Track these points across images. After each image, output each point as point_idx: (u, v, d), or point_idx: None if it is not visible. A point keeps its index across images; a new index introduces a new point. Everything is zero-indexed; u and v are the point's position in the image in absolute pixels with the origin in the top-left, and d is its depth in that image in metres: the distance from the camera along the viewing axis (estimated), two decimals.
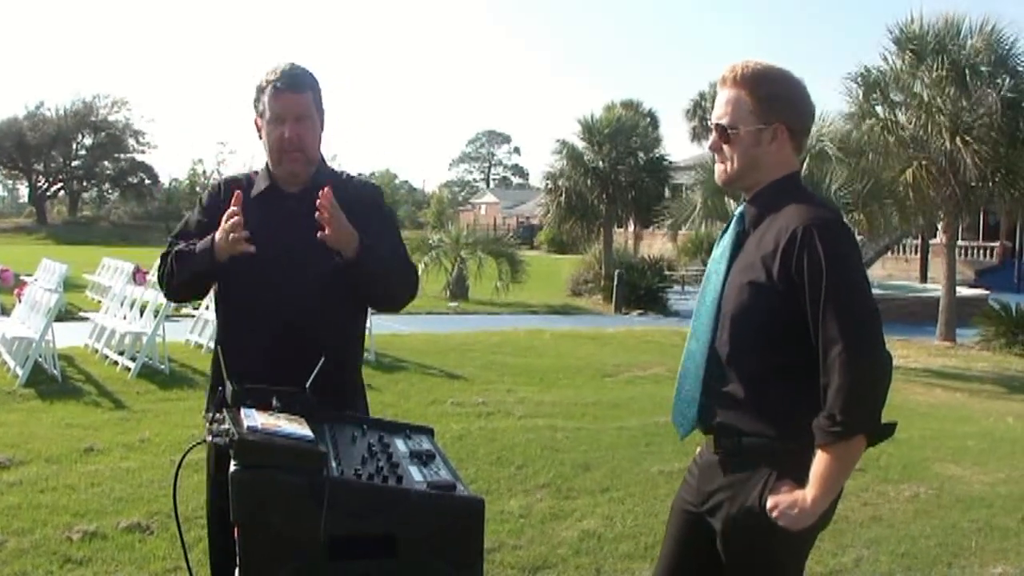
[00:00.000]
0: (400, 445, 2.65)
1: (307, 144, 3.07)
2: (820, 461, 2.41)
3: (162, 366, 10.90)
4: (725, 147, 2.61)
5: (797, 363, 2.48)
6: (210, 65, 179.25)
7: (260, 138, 3.13)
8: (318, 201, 2.81)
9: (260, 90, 3.07)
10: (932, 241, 33.52)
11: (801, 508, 2.42)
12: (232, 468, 2.11)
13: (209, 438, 2.22)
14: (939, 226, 19.44)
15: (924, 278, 34.24)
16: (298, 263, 3.02)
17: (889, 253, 34.87)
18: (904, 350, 16.12)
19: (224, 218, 2.92)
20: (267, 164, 3.18)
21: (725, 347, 2.59)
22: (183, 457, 2.35)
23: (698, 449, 2.83)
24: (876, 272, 35.74)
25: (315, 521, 2.06)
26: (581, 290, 26.27)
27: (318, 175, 3.12)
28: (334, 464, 2.32)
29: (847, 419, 2.36)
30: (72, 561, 4.85)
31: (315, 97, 3.09)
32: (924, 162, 16.60)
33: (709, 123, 2.66)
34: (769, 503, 2.45)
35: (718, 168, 2.70)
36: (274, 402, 2.54)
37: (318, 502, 2.07)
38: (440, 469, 2.42)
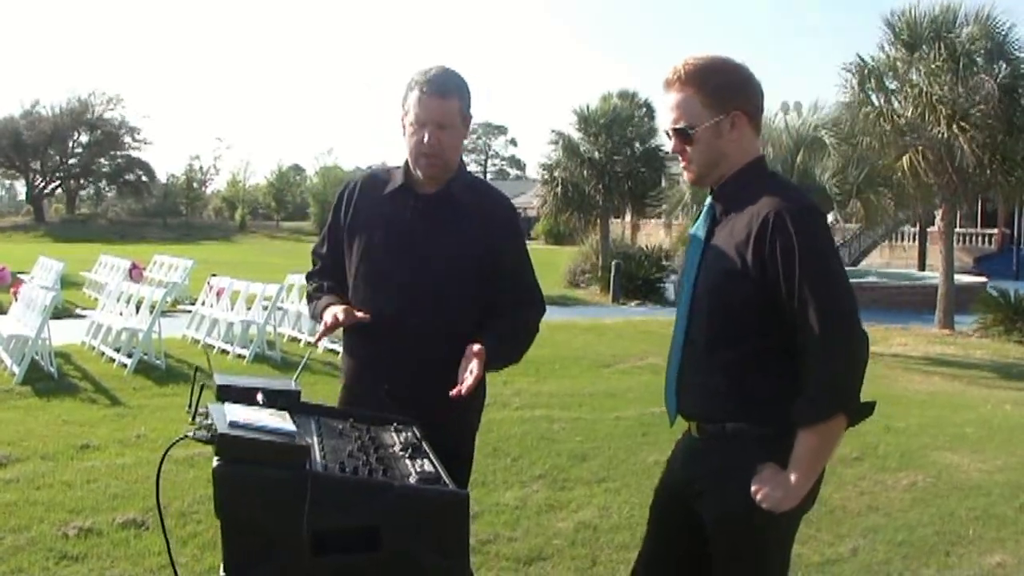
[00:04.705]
0: (388, 438, 2.64)
1: (446, 151, 3.08)
2: (801, 442, 2.42)
3: (158, 362, 10.89)
4: (688, 149, 2.61)
5: (775, 348, 2.50)
6: (205, 61, 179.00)
7: (403, 134, 3.13)
8: (454, 392, 2.82)
9: (408, 89, 3.07)
10: (930, 229, 33.54)
11: (784, 490, 2.44)
12: (214, 463, 2.10)
13: (191, 433, 2.20)
14: (937, 214, 19.42)
15: (922, 266, 34.23)
16: (421, 262, 3.07)
17: (887, 241, 35.02)
18: (902, 338, 16.12)
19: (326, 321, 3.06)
20: (407, 161, 3.18)
21: (702, 334, 2.60)
22: (165, 453, 2.33)
23: (681, 433, 2.84)
24: (874, 260, 35.83)
25: (298, 515, 2.05)
26: (579, 281, 26.26)
27: (454, 179, 3.15)
28: (319, 458, 2.31)
29: (827, 399, 2.39)
30: (68, 557, 4.85)
31: (462, 104, 3.09)
32: (921, 149, 16.59)
33: (666, 131, 2.65)
34: (753, 488, 2.47)
35: (685, 171, 2.70)
36: (259, 397, 2.53)
37: (300, 496, 2.05)
38: (426, 462, 2.41)
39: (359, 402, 3.10)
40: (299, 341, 13.12)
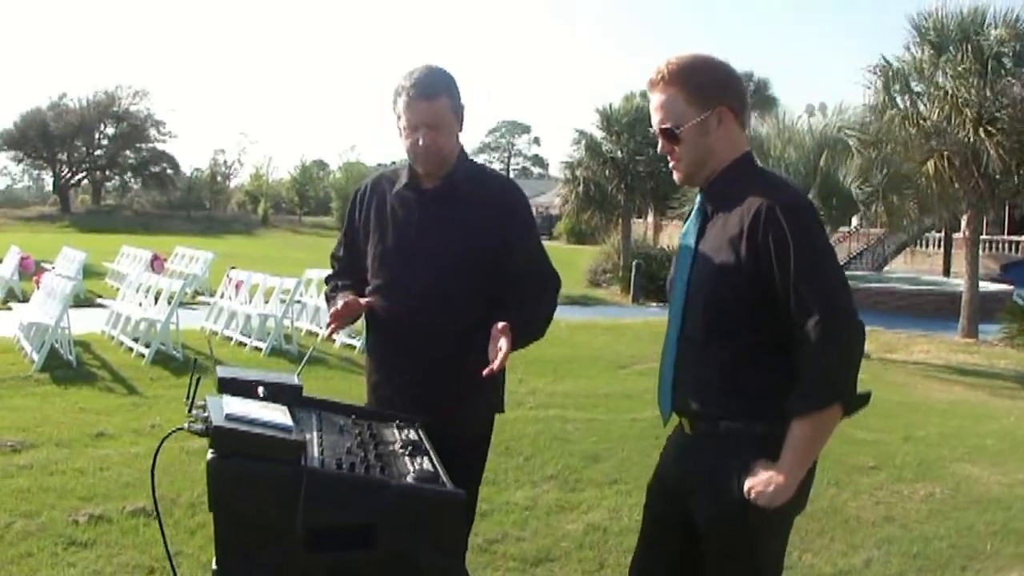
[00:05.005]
0: (389, 435, 2.61)
1: (442, 149, 3.15)
2: (795, 432, 2.41)
3: (176, 353, 10.92)
4: (676, 148, 2.61)
5: (767, 343, 2.50)
6: (230, 56, 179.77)
7: (400, 136, 3.20)
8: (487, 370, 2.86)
9: (396, 95, 3.13)
10: (956, 235, 33.18)
11: (776, 484, 2.41)
12: (209, 456, 2.08)
13: (186, 425, 2.18)
14: (962, 219, 19.21)
15: (947, 272, 33.90)
16: (426, 262, 3.15)
17: (912, 246, 34.68)
18: (925, 346, 15.96)
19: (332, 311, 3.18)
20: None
21: (697, 331, 2.59)
22: (160, 445, 2.32)
23: (672, 429, 2.86)
24: (898, 265, 35.54)
25: (292, 511, 2.03)
26: (599, 281, 26.19)
27: (456, 170, 3.22)
28: (317, 453, 2.29)
29: (821, 390, 2.38)
30: (76, 544, 4.86)
31: (450, 101, 3.14)
32: (946, 154, 16.41)
33: (652, 132, 2.66)
34: (747, 486, 2.45)
35: (674, 171, 2.69)
36: (260, 391, 2.51)
37: (295, 492, 2.03)
38: (426, 460, 2.38)
39: (380, 400, 3.21)
40: (317, 335, 13.13)
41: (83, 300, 16.41)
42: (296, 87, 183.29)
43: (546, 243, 3.43)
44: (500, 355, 2.85)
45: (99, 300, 15.01)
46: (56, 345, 10.37)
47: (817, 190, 14.45)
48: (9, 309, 13.88)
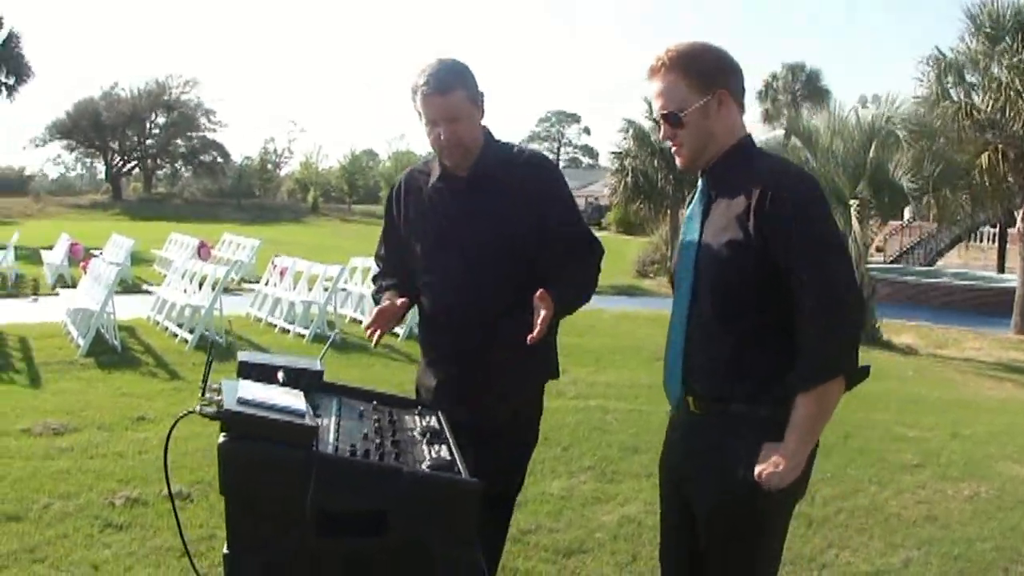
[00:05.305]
0: (409, 422, 2.58)
1: (464, 140, 3.16)
2: (800, 408, 2.43)
3: (219, 338, 11.01)
4: (679, 134, 2.65)
5: (773, 325, 2.52)
6: (280, 46, 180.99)
7: (425, 134, 3.23)
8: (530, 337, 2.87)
9: (412, 92, 3.14)
10: (1011, 229, 32.53)
11: (783, 465, 2.43)
12: (220, 439, 2.06)
13: (198, 408, 2.17)
14: (1017, 214, 18.80)
15: (1002, 268, 33.24)
16: (463, 239, 3.18)
17: (966, 241, 34.04)
18: (977, 342, 15.67)
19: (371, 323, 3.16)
20: None
21: (706, 313, 2.61)
22: (172, 428, 2.30)
23: (673, 412, 2.87)
24: (951, 260, 34.92)
25: (303, 496, 2.00)
26: (647, 271, 26.03)
27: (485, 155, 3.23)
28: (332, 439, 2.26)
29: (827, 361, 2.42)
30: (112, 526, 4.91)
31: (466, 92, 3.13)
32: (1000, 146, 16.08)
33: (655, 118, 2.66)
34: (756, 470, 2.46)
35: (677, 156, 2.73)
36: (280, 375, 2.49)
37: (306, 477, 2.00)
38: (443, 448, 2.34)
39: (426, 390, 3.29)
40: (360, 323, 13.15)
41: (131, 286, 16.63)
42: (344, 77, 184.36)
43: (596, 233, 3.40)
44: (540, 322, 2.85)
45: (145, 286, 15.18)
46: (102, 330, 10.50)
47: (867, 182, 14.22)
48: (56, 295, 14.09)
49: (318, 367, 2.72)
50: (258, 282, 14.88)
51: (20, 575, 4.27)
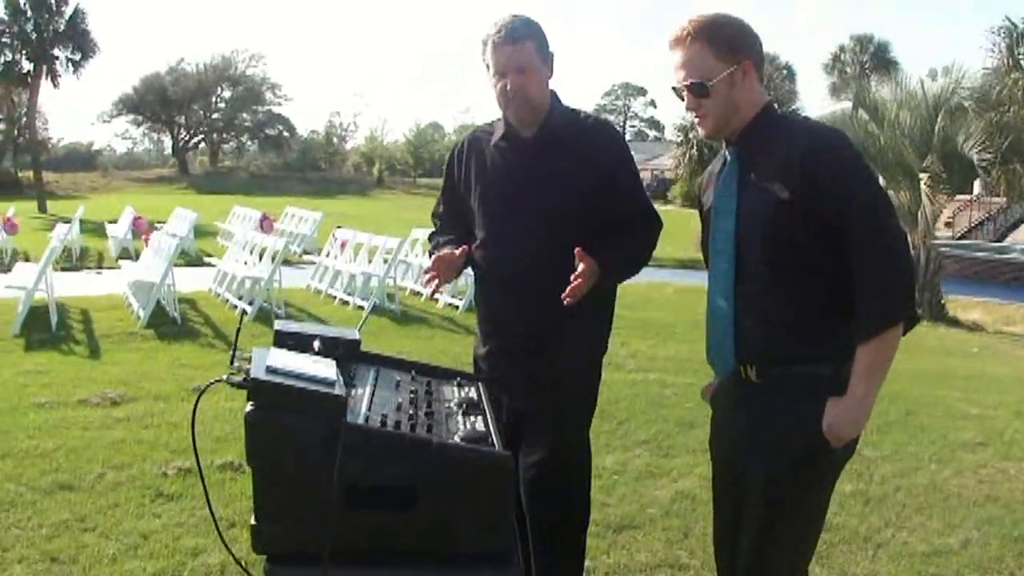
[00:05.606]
0: (448, 393, 2.50)
1: (530, 93, 3.10)
2: (864, 357, 2.44)
3: (278, 310, 11.06)
4: (704, 103, 2.63)
5: (830, 281, 2.51)
6: (346, 21, 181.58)
7: (491, 88, 3.18)
8: (566, 297, 2.87)
9: (483, 46, 3.12)
10: None
11: (852, 416, 2.45)
12: (247, 408, 1.99)
13: (225, 377, 2.10)
14: None
15: None
16: (527, 203, 3.13)
17: None
18: None
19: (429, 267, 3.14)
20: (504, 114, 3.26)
21: (755, 278, 2.59)
22: (199, 397, 2.24)
23: (714, 382, 2.95)
24: (1022, 236, 33.99)
25: (329, 467, 1.93)
26: None
27: (551, 116, 3.18)
28: (365, 409, 2.18)
29: (889, 307, 2.44)
30: (163, 496, 4.93)
31: (536, 45, 3.11)
32: None
33: (675, 88, 2.68)
34: (824, 424, 2.47)
35: (702, 126, 2.72)
36: (316, 344, 2.43)
37: (332, 448, 1.93)
38: (479, 420, 2.25)
39: (487, 354, 3.26)
40: (420, 295, 13.13)
41: (194, 259, 16.82)
42: (409, 51, 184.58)
43: (661, 207, 3.32)
44: (577, 277, 2.85)
45: (207, 259, 15.33)
46: (162, 302, 10.61)
47: (935, 155, 13.85)
48: (119, 268, 14.28)
49: (355, 336, 2.64)
50: (319, 254, 14.94)
51: (70, 544, 4.29)
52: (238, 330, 2.33)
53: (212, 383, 2.19)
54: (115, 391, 7.05)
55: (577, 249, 2.85)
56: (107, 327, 9.99)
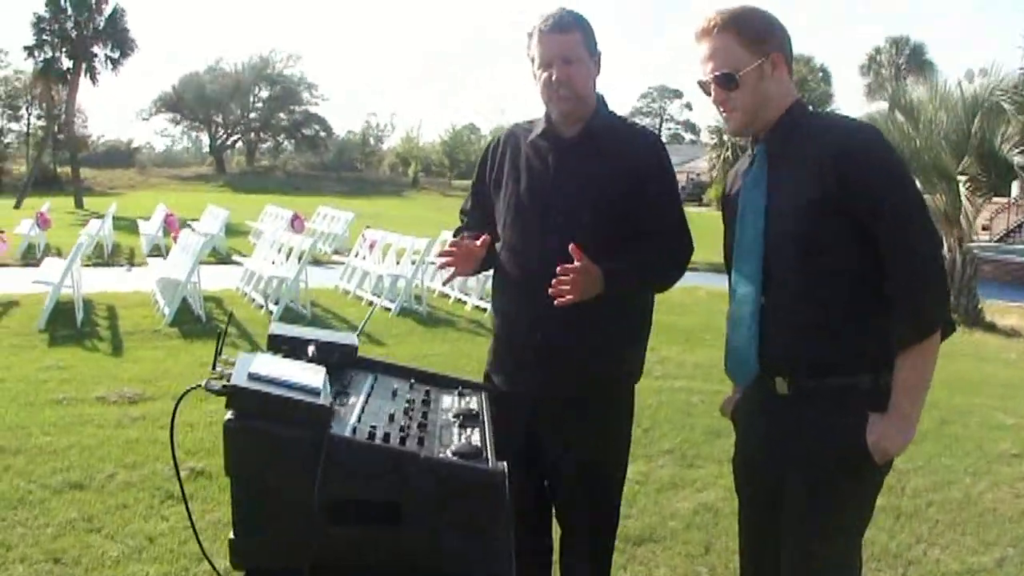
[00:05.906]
0: (446, 403, 2.37)
1: (576, 85, 2.99)
2: (905, 369, 2.38)
3: (304, 311, 10.99)
4: (732, 96, 2.56)
5: (865, 287, 2.43)
6: (382, 22, 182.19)
7: (536, 85, 3.07)
8: (551, 290, 2.77)
9: (529, 36, 3.04)
10: None
11: (899, 430, 2.40)
12: (226, 416, 1.88)
13: (204, 383, 1.99)
14: None
15: None
16: (554, 204, 3.01)
17: None
18: None
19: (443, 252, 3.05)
20: (546, 111, 3.14)
21: (786, 284, 2.50)
22: (177, 404, 2.12)
23: (736, 393, 2.89)
24: None
25: (311, 480, 1.81)
26: None
27: (594, 119, 3.06)
28: (354, 419, 2.06)
29: (928, 315, 2.39)
30: (173, 497, 4.85)
31: (584, 38, 3.01)
32: None
33: (702, 82, 2.59)
34: (870, 442, 2.40)
35: (730, 120, 2.65)
36: (310, 350, 2.32)
37: (314, 460, 1.82)
38: (475, 433, 2.13)
39: (504, 357, 3.13)
40: (448, 297, 13.02)
41: (224, 257, 16.84)
42: (445, 53, 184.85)
43: (695, 210, 3.17)
44: (567, 279, 2.74)
45: (235, 258, 15.32)
46: (188, 300, 10.57)
47: (972, 155, 13.60)
48: (146, 265, 14.30)
49: (353, 341, 2.53)
50: (350, 255, 14.90)
51: (75, 544, 4.22)
52: (223, 333, 2.21)
53: (190, 389, 2.08)
54: (133, 389, 7.00)
55: (571, 245, 2.72)
56: (132, 324, 9.97)
